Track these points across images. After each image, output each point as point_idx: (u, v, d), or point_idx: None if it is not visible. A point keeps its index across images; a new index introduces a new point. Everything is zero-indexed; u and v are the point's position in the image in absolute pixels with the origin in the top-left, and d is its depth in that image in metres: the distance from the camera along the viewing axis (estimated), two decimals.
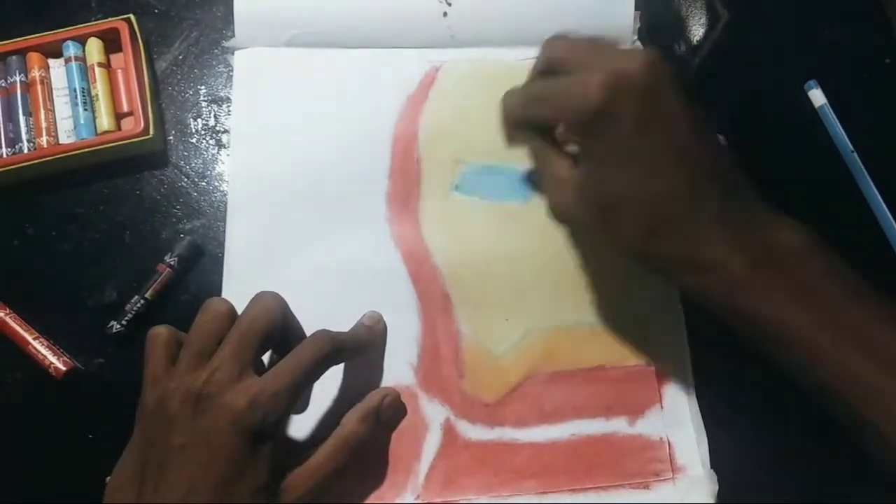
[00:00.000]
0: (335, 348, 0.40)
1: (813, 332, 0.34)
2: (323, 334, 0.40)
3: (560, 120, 0.39)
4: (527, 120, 0.40)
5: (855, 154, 0.52)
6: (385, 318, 0.46)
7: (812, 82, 0.54)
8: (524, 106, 0.40)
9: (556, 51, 0.39)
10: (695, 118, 0.36)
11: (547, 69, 0.39)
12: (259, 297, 0.40)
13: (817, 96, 0.54)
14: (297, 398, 0.38)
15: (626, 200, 0.35)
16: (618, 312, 0.47)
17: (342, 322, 0.46)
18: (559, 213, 0.40)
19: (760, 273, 0.34)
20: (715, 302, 0.36)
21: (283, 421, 0.38)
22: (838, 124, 0.53)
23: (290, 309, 0.41)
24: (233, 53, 0.53)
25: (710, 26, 0.57)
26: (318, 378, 0.39)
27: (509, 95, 0.41)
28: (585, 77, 0.35)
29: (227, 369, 0.37)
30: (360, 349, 0.44)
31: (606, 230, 0.37)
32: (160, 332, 0.40)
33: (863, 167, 0.51)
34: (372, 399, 0.42)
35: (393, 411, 0.43)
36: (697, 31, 0.57)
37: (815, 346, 0.34)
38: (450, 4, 0.53)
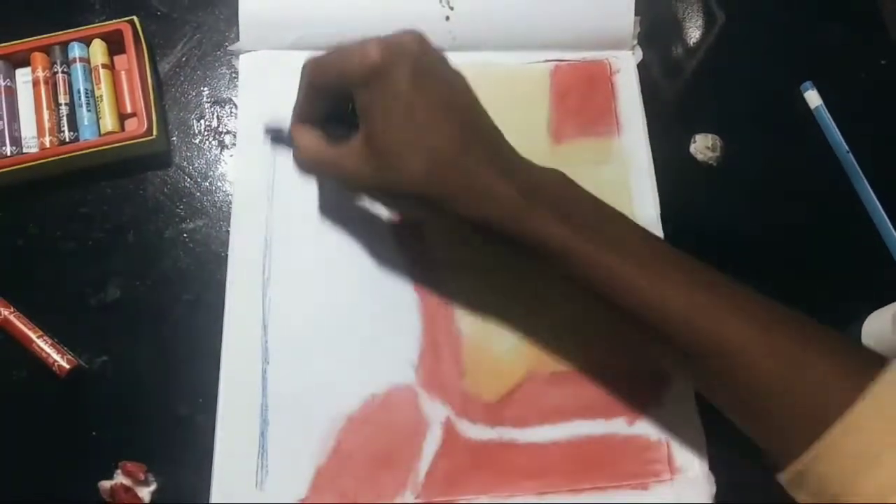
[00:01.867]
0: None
1: (576, 243, 0.38)
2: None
3: (343, 81, 0.40)
4: (316, 88, 0.42)
5: (850, 155, 0.52)
6: (386, 316, 0.47)
7: (808, 83, 0.55)
8: (317, 71, 0.42)
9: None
10: (460, 82, 0.41)
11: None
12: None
13: (813, 97, 0.54)
14: None
15: (408, 146, 0.38)
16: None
17: (345, 320, 0.47)
18: (351, 180, 0.42)
19: (528, 199, 0.38)
20: (493, 228, 0.39)
21: None
22: (834, 125, 0.53)
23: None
24: (237, 56, 0.54)
25: (707, 28, 0.57)
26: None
27: (308, 61, 0.43)
28: (364, 43, 0.39)
29: None
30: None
31: (393, 176, 0.39)
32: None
33: (858, 168, 0.52)
34: None
35: None
36: (694, 32, 0.57)
37: (578, 253, 0.38)
38: (452, 9, 0.53)
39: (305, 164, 0.44)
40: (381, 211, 0.49)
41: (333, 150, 0.42)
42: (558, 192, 0.40)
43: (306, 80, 0.42)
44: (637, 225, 0.40)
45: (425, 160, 0.39)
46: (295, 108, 0.44)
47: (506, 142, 0.41)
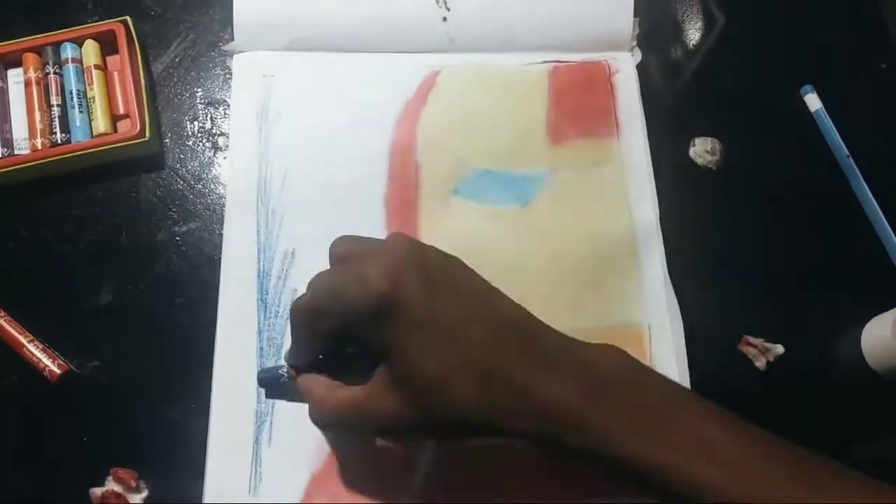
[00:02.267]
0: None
1: (651, 453, 0.33)
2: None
3: (348, 322, 0.35)
4: (320, 330, 0.37)
5: (850, 158, 0.52)
6: None
7: (808, 87, 0.54)
8: (312, 322, 0.37)
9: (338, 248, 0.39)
10: (467, 272, 0.37)
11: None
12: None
13: (813, 101, 0.54)
14: None
15: (449, 368, 0.34)
16: (614, 316, 0.47)
17: None
18: (386, 424, 0.36)
19: (592, 401, 0.34)
20: (556, 442, 0.34)
21: None
22: (834, 129, 0.53)
23: None
24: (231, 57, 0.53)
25: (707, 30, 0.57)
26: None
27: (299, 305, 0.38)
28: (358, 272, 0.35)
29: None
30: None
31: (438, 407, 0.34)
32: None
33: (858, 172, 0.52)
34: None
35: None
36: (694, 34, 0.57)
37: (652, 466, 0.33)
38: (449, 9, 0.53)
39: (327, 419, 0.38)
40: (379, 214, 0.49)
41: (354, 393, 0.37)
42: (622, 384, 0.35)
43: (304, 328, 0.38)
44: (716, 410, 0.35)
45: (472, 383, 0.34)
46: (291, 356, 0.40)
47: (541, 325, 0.37)
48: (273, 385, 0.42)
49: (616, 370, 0.35)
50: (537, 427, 0.34)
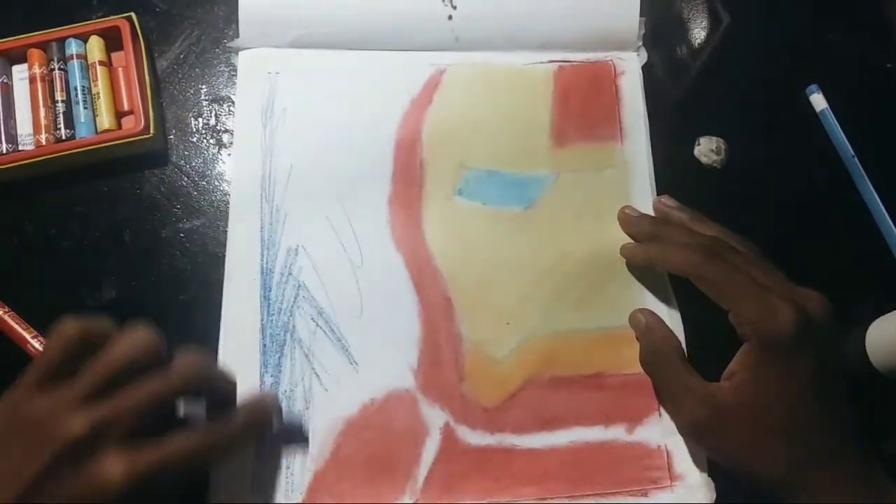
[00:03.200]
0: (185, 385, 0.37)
1: None
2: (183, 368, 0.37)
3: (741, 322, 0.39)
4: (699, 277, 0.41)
5: (856, 159, 0.52)
6: (386, 320, 0.46)
7: (813, 86, 0.54)
8: (698, 273, 0.41)
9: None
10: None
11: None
12: (182, 357, 0.38)
13: (818, 100, 0.54)
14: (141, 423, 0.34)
15: (789, 434, 0.37)
16: (617, 320, 0.47)
17: (343, 324, 0.46)
18: (692, 427, 0.41)
19: None
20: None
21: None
22: (839, 129, 0.53)
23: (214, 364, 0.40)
24: (236, 53, 0.53)
25: (712, 30, 0.57)
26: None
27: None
28: (774, 300, 0.38)
29: (122, 422, 0.33)
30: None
31: (753, 456, 0.38)
32: (69, 326, 0.36)
33: (863, 172, 0.51)
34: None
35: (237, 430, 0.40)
36: (699, 34, 0.57)
37: None
38: (455, 7, 0.53)
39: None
40: (382, 213, 0.49)
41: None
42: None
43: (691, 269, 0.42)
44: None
45: (799, 453, 0.37)
46: None
47: (857, 443, 0.39)
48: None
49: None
50: None
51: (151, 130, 0.49)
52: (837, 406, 0.39)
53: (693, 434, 0.42)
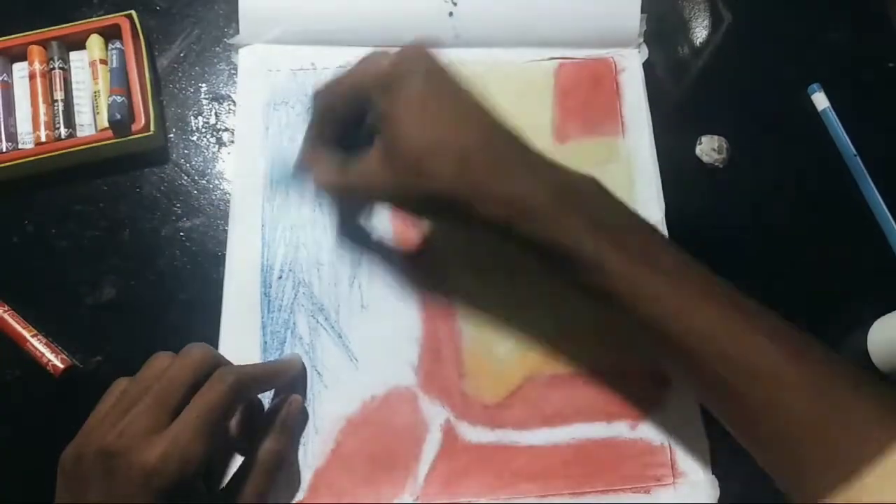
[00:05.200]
0: (241, 381, 0.38)
1: (607, 252, 0.37)
2: (226, 370, 0.39)
3: (359, 91, 0.40)
4: (330, 107, 0.41)
5: (858, 157, 0.52)
6: (386, 317, 0.46)
7: (815, 85, 0.54)
8: (329, 91, 0.41)
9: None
10: (473, 87, 0.39)
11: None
12: (188, 349, 0.39)
13: (820, 99, 0.54)
14: (212, 441, 0.36)
15: (434, 146, 0.37)
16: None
17: (344, 321, 0.46)
18: (375, 190, 0.40)
19: (560, 204, 0.37)
20: (520, 233, 0.38)
21: (200, 469, 0.36)
22: (841, 127, 0.53)
23: (223, 359, 0.40)
24: (236, 51, 0.53)
25: (714, 28, 0.57)
26: (231, 415, 0.39)
27: (318, 88, 0.42)
28: (376, 53, 0.40)
29: (141, 422, 0.35)
30: (271, 379, 0.43)
31: (420, 179, 0.38)
32: (119, 383, 0.39)
33: (865, 171, 0.51)
34: (278, 412, 0.42)
35: (298, 419, 0.43)
36: (701, 33, 0.57)
37: (608, 266, 0.37)
38: (455, 4, 0.53)
39: (325, 185, 0.42)
40: (384, 209, 0.49)
41: (352, 166, 0.40)
42: (591, 198, 0.39)
43: (320, 101, 0.42)
44: (668, 240, 0.39)
45: (453, 160, 0.37)
46: (307, 135, 0.43)
47: (533, 144, 0.40)
48: (282, 171, 0.47)
49: (587, 186, 0.39)
50: (505, 213, 0.37)
51: (151, 129, 0.49)
52: (475, 116, 0.39)
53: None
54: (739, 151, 0.52)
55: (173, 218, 0.49)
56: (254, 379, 0.40)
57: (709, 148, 0.52)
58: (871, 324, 0.47)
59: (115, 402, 0.38)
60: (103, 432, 0.36)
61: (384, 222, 0.49)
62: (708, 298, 0.36)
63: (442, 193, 0.38)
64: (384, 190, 0.39)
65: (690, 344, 0.36)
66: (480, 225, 0.38)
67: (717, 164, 0.52)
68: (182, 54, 0.54)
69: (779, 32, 0.56)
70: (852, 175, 0.52)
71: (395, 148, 0.38)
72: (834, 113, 0.53)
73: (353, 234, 0.49)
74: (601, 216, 0.38)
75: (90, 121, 0.50)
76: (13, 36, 0.51)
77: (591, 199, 0.39)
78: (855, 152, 0.52)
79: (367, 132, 0.41)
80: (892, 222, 0.50)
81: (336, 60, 0.52)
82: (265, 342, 0.45)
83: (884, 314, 0.47)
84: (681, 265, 0.38)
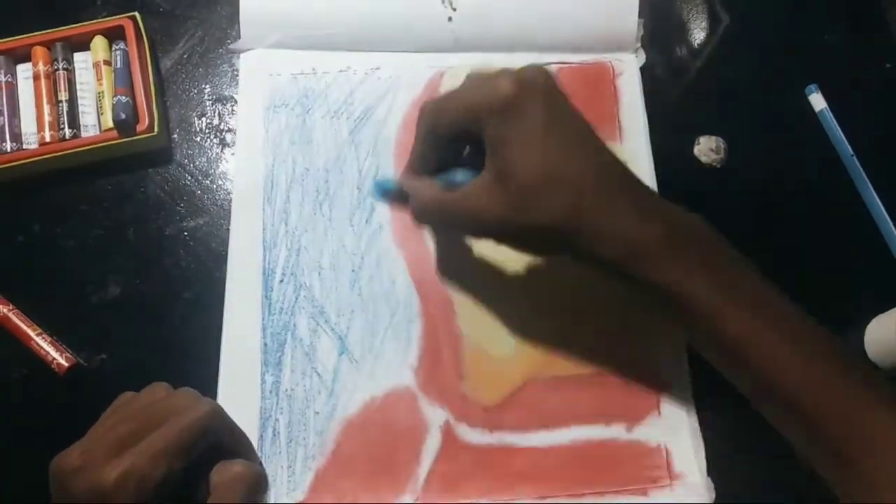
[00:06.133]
0: (213, 417, 0.38)
1: (721, 304, 0.36)
2: (207, 404, 0.39)
3: (472, 115, 0.38)
4: (439, 131, 0.40)
5: (855, 158, 0.52)
6: (386, 319, 0.47)
7: (812, 86, 0.54)
8: (440, 108, 0.40)
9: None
10: (586, 121, 0.39)
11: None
12: (195, 404, 0.39)
13: (818, 100, 0.54)
14: (173, 466, 0.36)
15: (548, 180, 0.36)
16: (617, 320, 0.47)
17: (345, 322, 0.46)
18: (480, 222, 0.39)
19: (671, 246, 0.37)
20: (628, 272, 0.37)
21: (159, 492, 0.35)
22: (838, 128, 0.53)
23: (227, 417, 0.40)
24: (238, 55, 0.53)
25: (711, 30, 0.57)
26: (198, 449, 0.37)
27: (426, 105, 0.41)
28: (494, 76, 0.38)
29: (107, 441, 0.37)
30: (240, 439, 0.42)
31: (530, 213, 0.37)
32: (122, 397, 0.40)
33: (862, 171, 0.52)
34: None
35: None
36: (699, 34, 0.57)
37: (714, 308, 0.36)
38: (454, 9, 0.53)
39: (426, 214, 0.41)
40: (384, 212, 0.49)
41: (456, 193, 0.39)
42: (701, 241, 0.38)
43: (427, 123, 0.40)
44: (771, 282, 0.39)
45: (567, 194, 0.36)
46: (412, 158, 0.42)
47: (643, 182, 0.39)
48: (385, 189, 0.44)
49: (697, 227, 0.38)
50: (616, 253, 0.37)
51: (155, 129, 0.50)
52: (591, 150, 0.38)
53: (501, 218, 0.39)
54: (737, 152, 0.52)
55: (177, 218, 0.50)
56: (226, 423, 0.40)
57: (707, 148, 0.52)
58: (868, 322, 0.48)
59: (107, 418, 0.39)
60: (76, 447, 0.37)
61: (384, 222, 0.49)
62: (823, 360, 0.36)
63: (553, 228, 0.37)
64: (488, 220, 0.38)
65: (804, 404, 0.36)
66: (588, 262, 0.38)
67: (714, 164, 0.52)
68: (185, 56, 0.54)
69: (776, 34, 0.57)
70: (849, 175, 0.52)
71: (509, 176, 0.37)
72: (831, 113, 0.53)
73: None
74: (712, 260, 0.37)
75: (94, 121, 0.51)
76: (18, 37, 0.52)
77: (701, 242, 0.38)
78: (852, 152, 0.52)
79: (466, 155, 0.41)
80: (889, 222, 0.50)
81: (336, 65, 0.53)
82: (266, 343, 0.46)
83: (880, 312, 0.47)
84: (792, 316, 0.38)
